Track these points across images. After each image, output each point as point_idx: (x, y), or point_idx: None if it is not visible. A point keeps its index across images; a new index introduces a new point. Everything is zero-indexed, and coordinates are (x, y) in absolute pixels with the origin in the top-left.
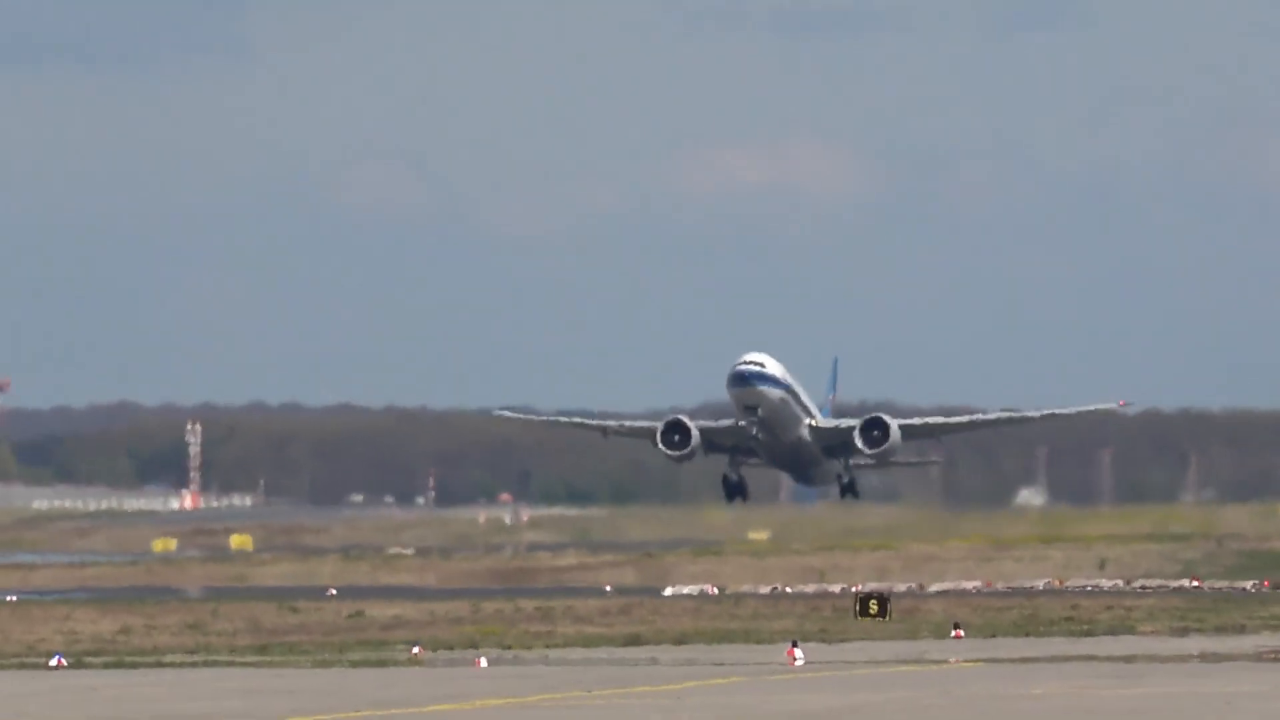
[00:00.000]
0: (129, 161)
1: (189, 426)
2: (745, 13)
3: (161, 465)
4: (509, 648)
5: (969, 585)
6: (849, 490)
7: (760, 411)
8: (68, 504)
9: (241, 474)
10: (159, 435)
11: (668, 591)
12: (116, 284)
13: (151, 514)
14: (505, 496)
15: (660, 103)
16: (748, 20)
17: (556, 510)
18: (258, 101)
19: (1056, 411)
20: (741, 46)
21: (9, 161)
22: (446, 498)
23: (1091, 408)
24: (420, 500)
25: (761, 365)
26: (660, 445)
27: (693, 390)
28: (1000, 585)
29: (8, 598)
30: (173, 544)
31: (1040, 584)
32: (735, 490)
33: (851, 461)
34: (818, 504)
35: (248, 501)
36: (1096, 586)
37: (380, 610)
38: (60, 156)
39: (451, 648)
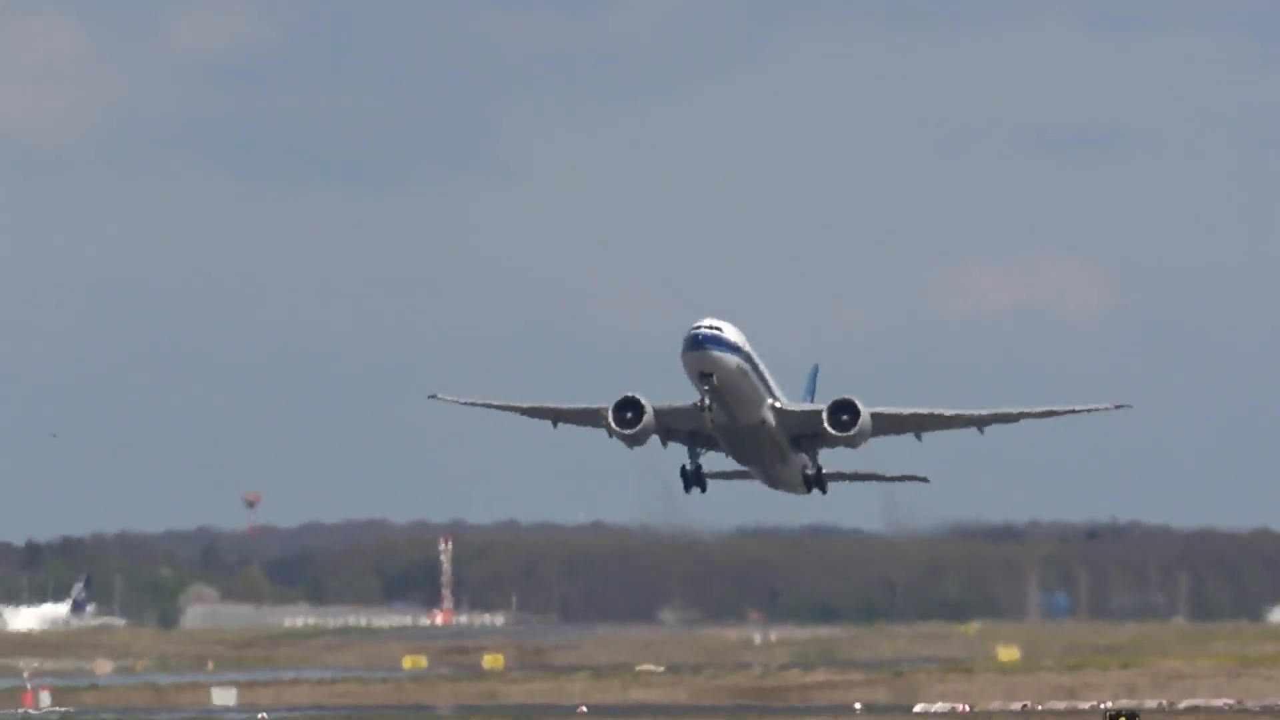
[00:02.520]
0: (381, 280)
1: (441, 544)
2: (999, 132)
3: (412, 582)
4: None
5: (1219, 703)
6: (815, 483)
7: (716, 380)
8: (319, 621)
9: (493, 592)
10: (410, 552)
11: (918, 709)
12: (367, 399)
13: (402, 631)
14: (754, 614)
15: (914, 223)
16: (1002, 140)
17: (805, 628)
18: (512, 222)
19: (1044, 410)
20: (996, 167)
21: (264, 278)
22: (696, 616)
23: (1087, 408)
24: (670, 618)
25: (718, 330)
26: (611, 423)
27: (939, 507)
28: (1251, 703)
29: (259, 715)
30: (424, 661)
31: None
32: (692, 482)
33: (820, 453)
34: (1067, 620)
35: (499, 619)
36: None
37: None
38: (314, 274)
39: None
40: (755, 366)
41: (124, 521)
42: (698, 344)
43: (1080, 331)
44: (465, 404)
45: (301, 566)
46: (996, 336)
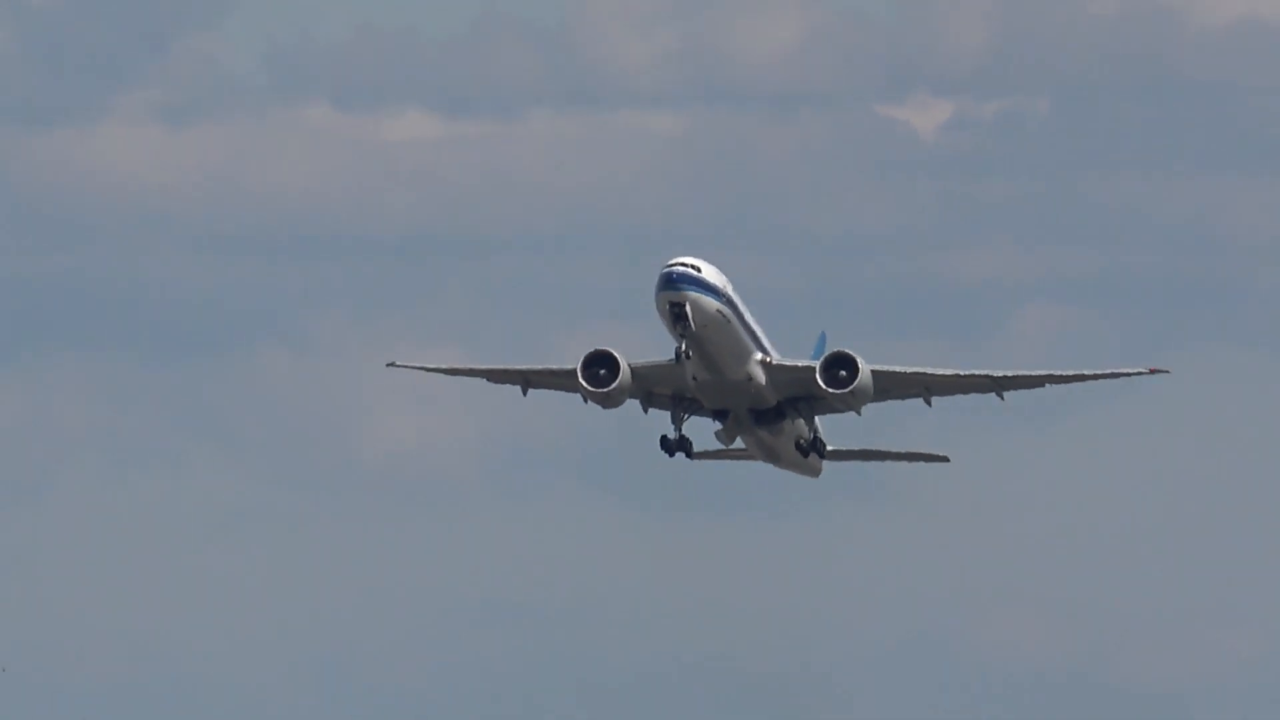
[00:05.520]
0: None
1: None
2: None
3: None
4: None
5: None
6: (812, 448)
7: (692, 324)
8: None
9: None
10: None
11: None
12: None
13: None
14: None
15: None
16: None
17: None
18: (889, 545)
19: (1071, 374)
20: None
21: (648, 603)
22: None
23: (1120, 372)
24: None
25: (696, 268)
26: (582, 381)
27: None
28: None
29: None
30: None
31: None
32: (676, 448)
33: (817, 417)
34: None
35: None
36: None
37: None
38: (689, 595)
39: None
40: (740, 314)
41: None
42: (671, 283)
43: None
44: (425, 370)
45: None
46: None
